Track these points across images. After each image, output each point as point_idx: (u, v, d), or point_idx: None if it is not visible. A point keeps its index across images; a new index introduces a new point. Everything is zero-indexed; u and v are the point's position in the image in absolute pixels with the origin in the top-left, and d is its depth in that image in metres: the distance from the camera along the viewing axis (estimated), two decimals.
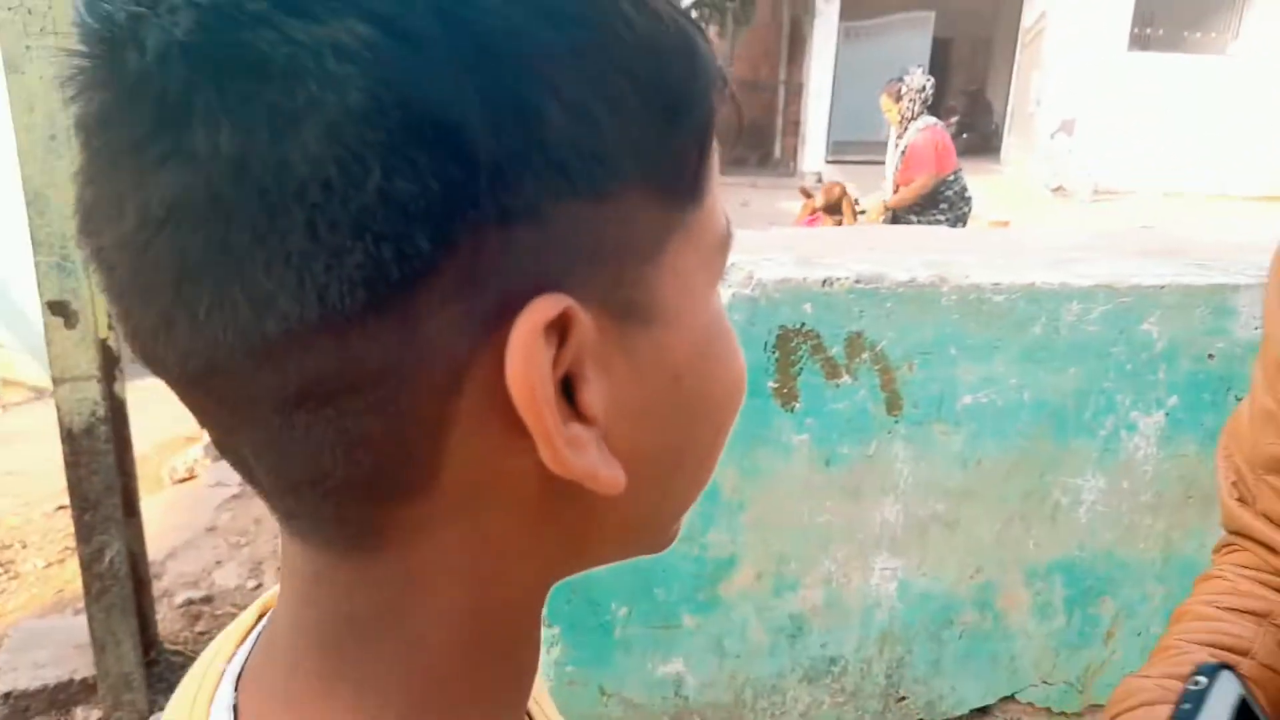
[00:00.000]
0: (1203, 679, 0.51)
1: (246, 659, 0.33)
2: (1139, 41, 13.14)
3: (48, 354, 1.89)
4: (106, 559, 2.02)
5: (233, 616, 0.38)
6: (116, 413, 1.98)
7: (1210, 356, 1.77)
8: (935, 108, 5.26)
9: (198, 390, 0.27)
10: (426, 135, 0.23)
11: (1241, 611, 0.62)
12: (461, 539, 0.28)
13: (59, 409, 1.93)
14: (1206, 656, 0.59)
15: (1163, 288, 1.71)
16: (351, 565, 0.29)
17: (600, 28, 0.25)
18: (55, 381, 1.91)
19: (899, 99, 4.94)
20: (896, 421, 1.73)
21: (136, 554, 2.07)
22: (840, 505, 1.79)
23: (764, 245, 1.90)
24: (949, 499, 1.79)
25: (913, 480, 1.78)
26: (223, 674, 0.33)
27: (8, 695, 2.17)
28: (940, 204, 4.90)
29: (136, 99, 0.23)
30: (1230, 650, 0.61)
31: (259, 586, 2.72)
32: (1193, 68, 13.24)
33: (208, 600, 2.65)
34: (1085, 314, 1.69)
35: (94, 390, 1.92)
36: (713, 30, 13.52)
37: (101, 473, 1.96)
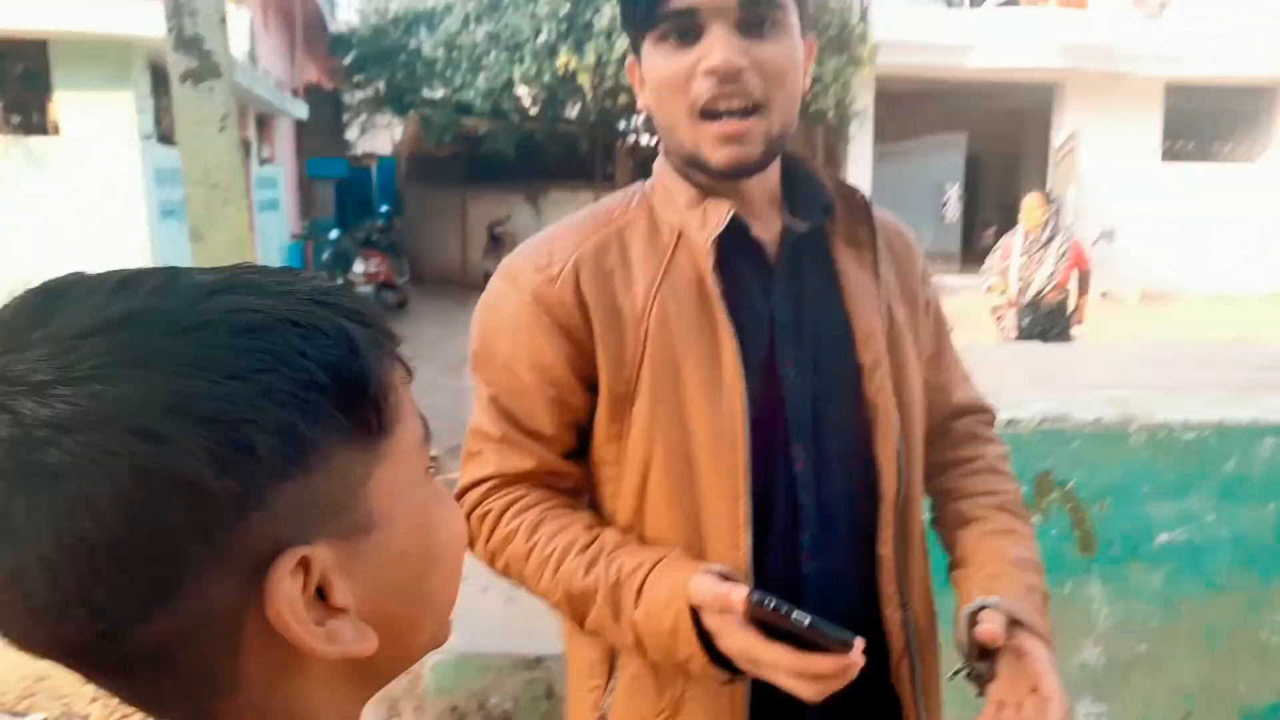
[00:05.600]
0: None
1: None
2: (1170, 154, 13.43)
3: None
4: None
5: None
6: None
7: None
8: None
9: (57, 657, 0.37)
10: (179, 492, 0.33)
11: None
12: (278, 700, 0.39)
13: None
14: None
15: None
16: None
17: (279, 367, 0.35)
18: None
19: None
20: (1093, 560, 1.70)
21: None
22: None
23: None
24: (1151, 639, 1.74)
25: (1111, 621, 1.73)
26: None
27: None
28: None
29: None
30: None
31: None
32: (1224, 175, 13.47)
33: None
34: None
35: None
36: None
37: None
